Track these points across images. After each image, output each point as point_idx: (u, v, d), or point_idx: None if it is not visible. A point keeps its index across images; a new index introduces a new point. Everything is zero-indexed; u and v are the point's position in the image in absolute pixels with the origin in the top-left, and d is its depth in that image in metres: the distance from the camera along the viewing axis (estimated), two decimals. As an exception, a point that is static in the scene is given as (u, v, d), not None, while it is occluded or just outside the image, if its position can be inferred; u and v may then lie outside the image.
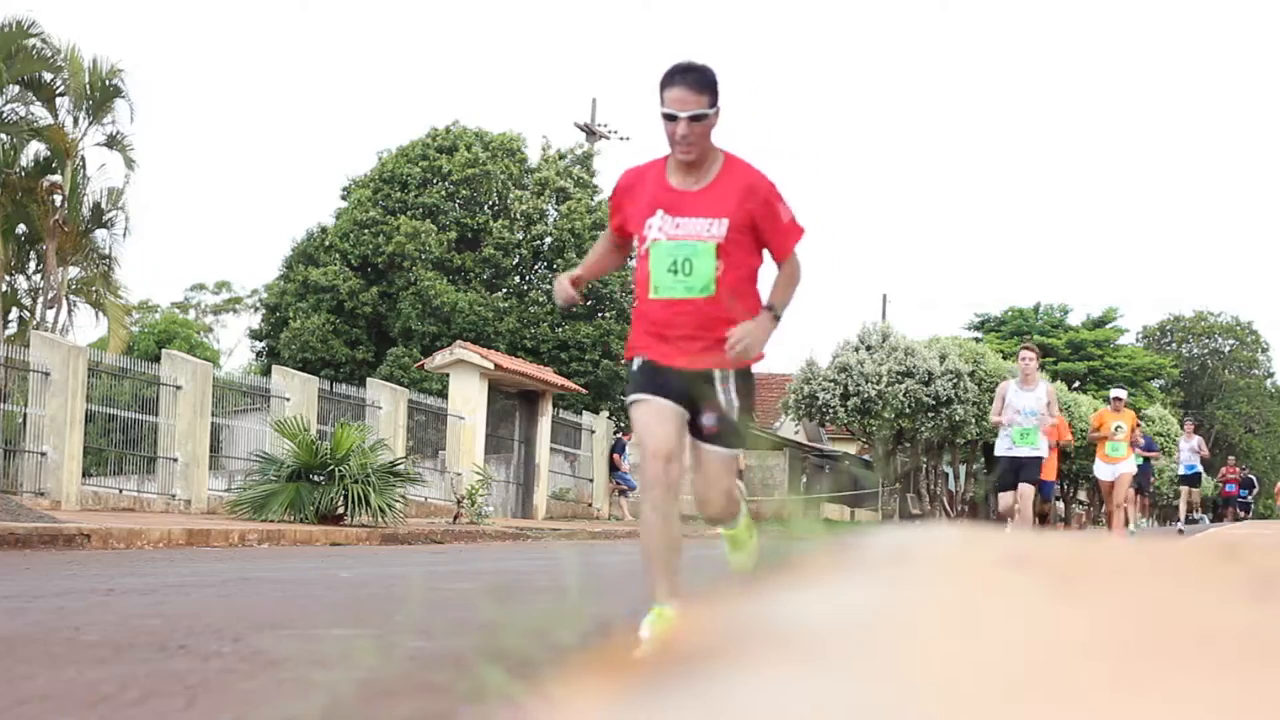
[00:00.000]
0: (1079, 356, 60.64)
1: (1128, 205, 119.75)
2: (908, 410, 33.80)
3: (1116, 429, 19.57)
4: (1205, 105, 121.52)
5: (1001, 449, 14.67)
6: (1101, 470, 19.56)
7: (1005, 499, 14.53)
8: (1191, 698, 1.13)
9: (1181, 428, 29.98)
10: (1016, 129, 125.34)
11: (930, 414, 33.97)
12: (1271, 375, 77.43)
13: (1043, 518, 19.08)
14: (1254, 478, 44.78)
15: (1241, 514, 40.31)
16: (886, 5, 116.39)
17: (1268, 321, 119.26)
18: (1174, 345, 75.62)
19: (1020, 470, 14.34)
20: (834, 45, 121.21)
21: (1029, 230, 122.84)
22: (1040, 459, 14.57)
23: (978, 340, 54.11)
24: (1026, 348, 14.73)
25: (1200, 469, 27.97)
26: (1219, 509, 42.59)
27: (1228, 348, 76.16)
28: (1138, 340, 72.63)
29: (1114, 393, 20.69)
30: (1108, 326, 63.41)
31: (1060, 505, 35.82)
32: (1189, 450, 27.84)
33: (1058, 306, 64.02)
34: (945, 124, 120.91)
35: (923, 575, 1.79)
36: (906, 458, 38.21)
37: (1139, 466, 23.30)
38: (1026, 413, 14.28)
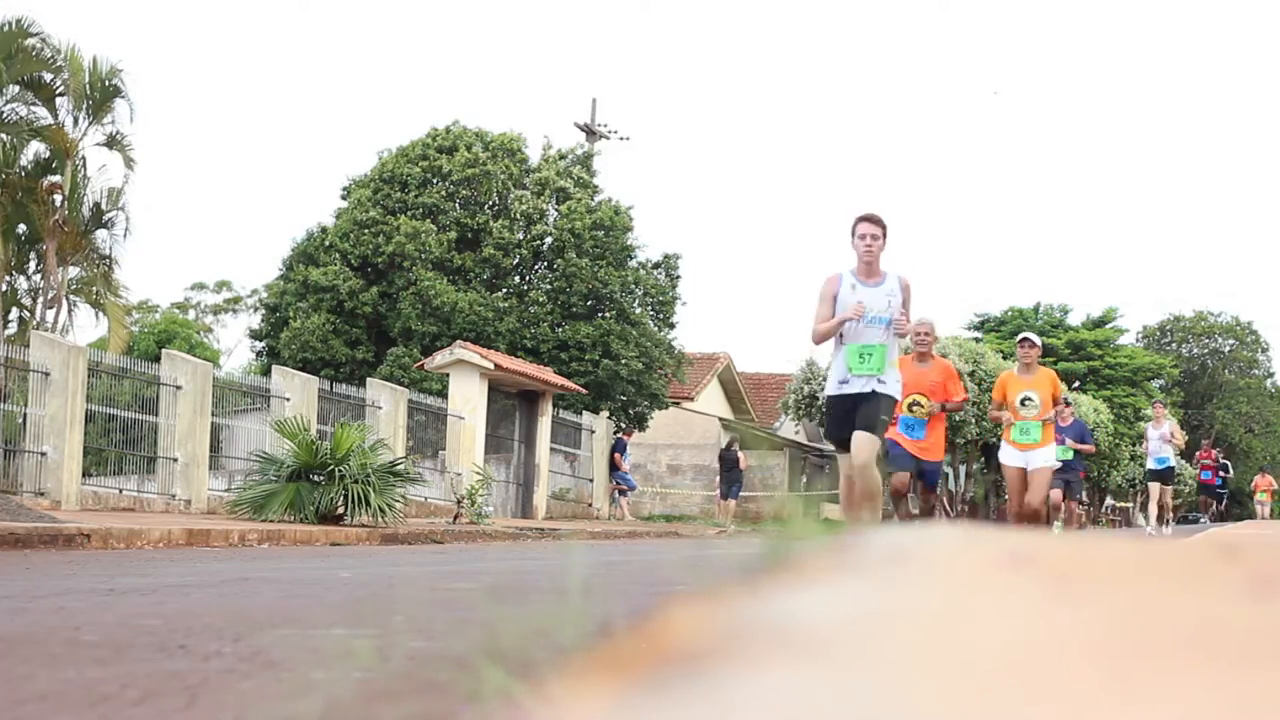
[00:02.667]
0: (1079, 356, 60.65)
1: (1128, 205, 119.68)
2: (908, 410, 33.75)
3: (1023, 402, 12.73)
4: (1205, 105, 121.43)
5: (832, 385, 9.39)
6: (1008, 455, 12.93)
7: (844, 464, 9.28)
8: (1190, 698, 1.13)
9: (1154, 416, 23.59)
10: (1017, 128, 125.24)
11: (930, 414, 33.94)
12: (1271, 375, 77.47)
13: (928, 512, 13.04)
14: (1228, 463, 37.44)
15: (1217, 505, 34.30)
16: (887, 5, 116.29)
17: (1268, 321, 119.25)
18: (1174, 345, 75.64)
19: (857, 415, 9.04)
20: (835, 44, 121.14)
21: (1029, 230, 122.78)
22: (888, 401, 9.19)
23: (977, 340, 54.05)
24: (866, 219, 9.19)
25: (1173, 462, 22.47)
26: (1196, 498, 36.50)
27: (1228, 348, 76.17)
28: (1138, 340, 72.67)
29: (1026, 334, 13.18)
30: (1108, 326, 63.44)
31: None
32: (1158, 439, 22.34)
33: (1058, 306, 64.05)
34: (945, 123, 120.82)
35: (923, 575, 1.79)
36: (906, 458, 38.16)
37: (1067, 464, 18.04)
38: (867, 320, 9.07)
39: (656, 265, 33.55)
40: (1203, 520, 34.47)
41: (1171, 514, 23.85)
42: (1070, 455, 17.86)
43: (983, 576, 1.73)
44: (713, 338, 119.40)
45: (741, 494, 32.50)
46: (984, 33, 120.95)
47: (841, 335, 9.19)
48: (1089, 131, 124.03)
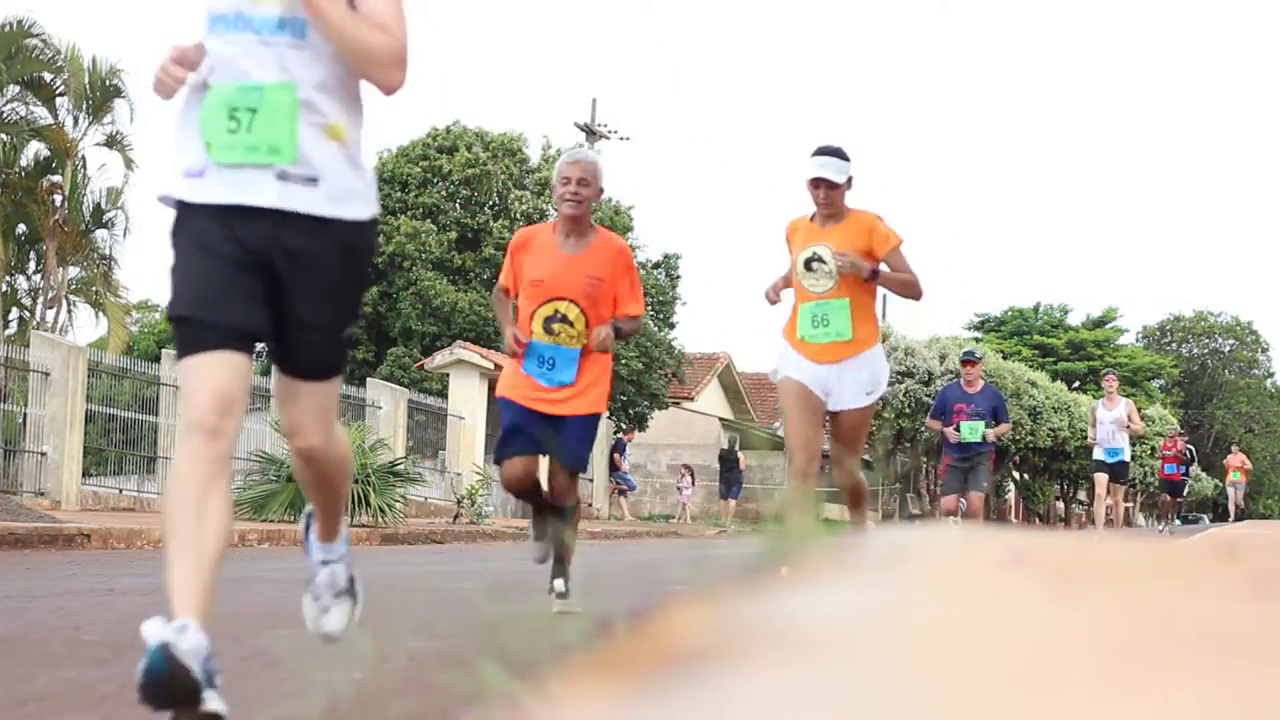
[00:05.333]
0: (1079, 356, 60.65)
1: (1128, 205, 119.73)
2: (908, 410, 33.82)
3: (809, 264, 6.91)
4: (1205, 105, 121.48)
5: (177, 181, 3.44)
6: (792, 362, 6.98)
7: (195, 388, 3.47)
8: (1191, 697, 1.13)
9: (1105, 391, 18.57)
10: (1017, 128, 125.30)
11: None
12: (1271, 375, 77.47)
13: (561, 511, 6.83)
14: (1193, 449, 28.90)
15: (1175, 498, 26.40)
16: (887, 5, 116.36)
17: (1268, 321, 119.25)
18: (1174, 345, 75.61)
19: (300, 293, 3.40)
20: (834, 45, 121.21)
21: (1029, 230, 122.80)
22: (361, 246, 3.47)
23: (978, 340, 54.07)
24: None
25: (1126, 455, 17.82)
26: (1160, 497, 29.57)
27: (1228, 348, 76.15)
28: (1138, 340, 72.67)
29: (816, 167, 6.83)
30: (1108, 326, 63.49)
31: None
32: (1110, 423, 17.57)
33: (1058, 306, 64.08)
34: (945, 124, 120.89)
35: (922, 575, 1.79)
36: (906, 458, 38.22)
37: (974, 446, 13.14)
38: None
39: (656, 265, 33.56)
40: (1202, 519, 34.08)
41: (1122, 516, 19.11)
42: (979, 436, 13.07)
43: (982, 576, 1.73)
44: (713, 338, 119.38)
45: (741, 493, 32.52)
46: (986, 32, 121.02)
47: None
48: (1089, 131, 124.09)
